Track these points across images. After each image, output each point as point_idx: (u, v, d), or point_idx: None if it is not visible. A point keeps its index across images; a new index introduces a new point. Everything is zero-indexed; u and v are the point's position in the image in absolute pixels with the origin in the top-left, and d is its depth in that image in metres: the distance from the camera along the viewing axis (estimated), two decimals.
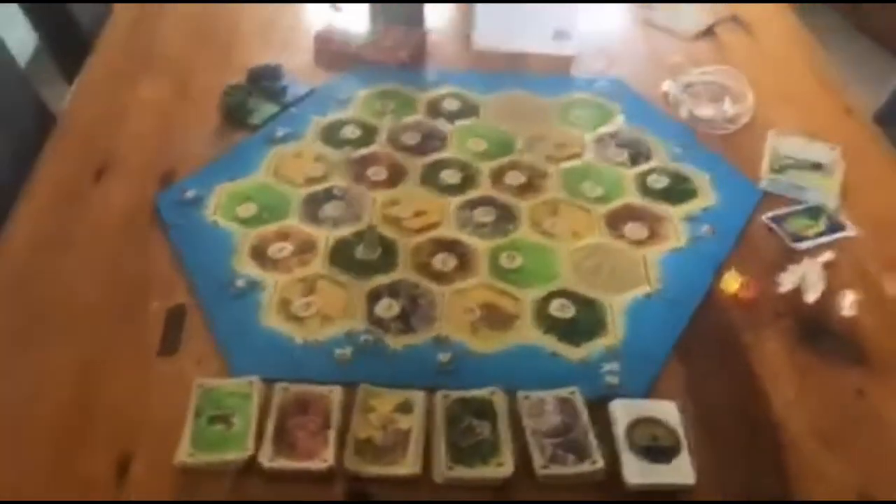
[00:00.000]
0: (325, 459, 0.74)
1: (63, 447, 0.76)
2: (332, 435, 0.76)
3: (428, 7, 1.35)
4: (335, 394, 0.79)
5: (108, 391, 0.80)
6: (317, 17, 1.35)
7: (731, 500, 0.75)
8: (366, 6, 1.33)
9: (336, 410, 0.78)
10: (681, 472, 0.75)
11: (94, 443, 0.76)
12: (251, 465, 0.74)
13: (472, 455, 0.75)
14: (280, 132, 1.11)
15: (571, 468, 0.74)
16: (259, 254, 0.94)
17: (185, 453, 0.74)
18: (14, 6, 1.38)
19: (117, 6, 1.37)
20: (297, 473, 0.74)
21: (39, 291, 0.90)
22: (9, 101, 1.19)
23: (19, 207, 1.00)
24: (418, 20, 1.34)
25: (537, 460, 0.74)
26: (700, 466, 0.75)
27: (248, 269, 0.92)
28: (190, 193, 1.01)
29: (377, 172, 1.06)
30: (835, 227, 1.01)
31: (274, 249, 0.95)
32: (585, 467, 0.74)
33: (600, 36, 1.36)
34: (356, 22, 1.32)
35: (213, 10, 1.37)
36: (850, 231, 1.01)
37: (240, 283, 0.90)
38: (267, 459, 0.74)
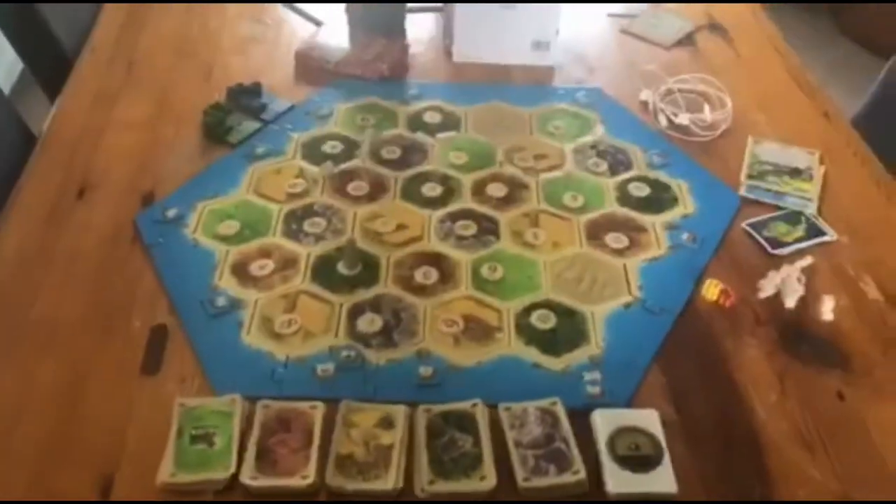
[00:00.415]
0: (306, 476, 0.74)
1: (45, 465, 0.76)
2: (313, 452, 0.75)
3: (408, 20, 1.36)
4: (317, 410, 0.79)
5: (90, 409, 0.80)
6: (297, 34, 1.36)
7: None
8: (345, 21, 1.34)
9: (318, 427, 0.78)
10: (663, 481, 0.75)
11: (76, 461, 0.76)
12: (233, 484, 0.74)
13: (454, 469, 0.75)
14: (260, 149, 1.12)
15: (553, 479, 0.74)
16: (240, 271, 0.94)
17: (167, 473, 0.74)
18: None
19: (98, 24, 1.37)
20: (279, 491, 0.74)
21: (22, 309, 0.90)
22: None
23: (2, 226, 1.00)
24: (398, 33, 1.35)
25: (519, 472, 0.75)
26: (682, 475, 0.76)
27: (229, 286, 0.92)
28: (171, 212, 1.01)
29: (358, 187, 1.07)
30: (814, 232, 1.02)
31: (255, 267, 0.95)
32: (567, 478, 0.74)
33: (579, 46, 1.37)
34: (336, 36, 1.32)
35: (193, 28, 1.38)
36: (830, 236, 1.02)
37: (221, 301, 0.90)
38: (249, 478, 0.74)
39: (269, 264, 0.95)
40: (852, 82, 2.40)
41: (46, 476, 0.75)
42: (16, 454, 0.76)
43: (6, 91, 1.29)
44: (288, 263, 0.96)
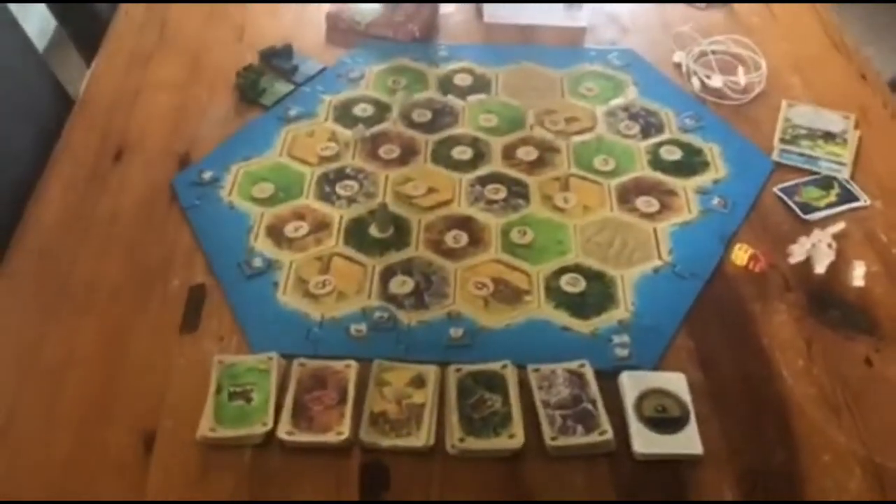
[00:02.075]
0: (341, 432, 0.76)
1: (89, 422, 0.79)
2: (348, 409, 0.78)
3: None
4: (351, 369, 0.81)
5: (131, 367, 0.83)
6: None
7: (739, 469, 0.76)
8: None
9: (352, 385, 0.80)
10: (689, 442, 0.77)
11: (120, 418, 0.79)
12: (270, 439, 0.77)
13: (483, 427, 0.77)
14: (293, 111, 1.13)
15: (580, 439, 0.76)
16: (275, 233, 0.96)
17: (206, 428, 0.77)
18: None
19: None
20: (314, 446, 0.76)
21: (63, 270, 0.92)
22: (28, 85, 1.21)
23: (43, 189, 1.02)
24: None
25: (547, 431, 0.76)
26: (708, 437, 0.77)
27: (264, 248, 0.94)
28: (206, 175, 1.03)
29: (389, 150, 1.07)
30: (846, 197, 1.01)
31: (290, 229, 0.96)
32: (594, 438, 0.76)
33: (611, 5, 1.35)
34: None
35: None
36: (862, 201, 1.01)
37: (257, 262, 0.92)
38: (285, 433, 0.76)
39: (303, 226, 0.97)
40: (890, 40, 2.34)
41: (91, 432, 0.78)
42: (61, 412, 0.79)
43: (39, 50, 1.31)
44: (321, 226, 0.97)
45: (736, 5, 1.36)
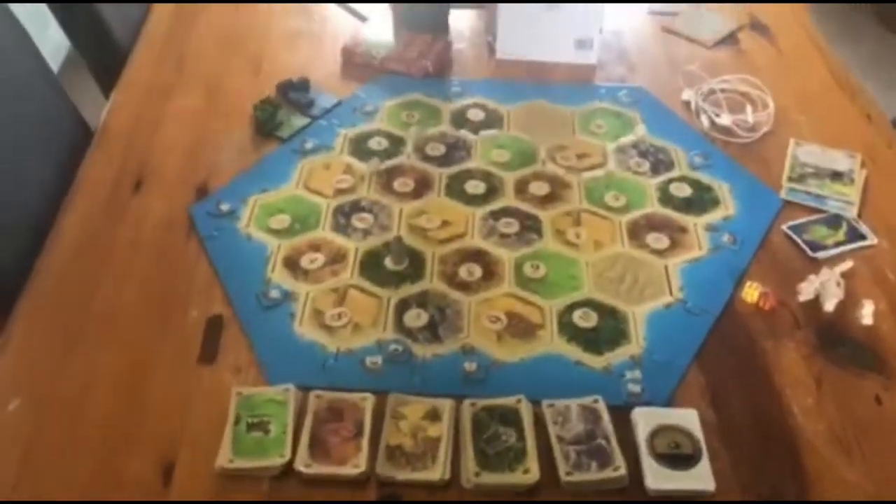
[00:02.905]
0: (357, 465, 0.77)
1: (110, 452, 0.80)
2: (364, 441, 0.79)
3: (451, 16, 1.38)
4: (368, 401, 0.83)
5: (151, 397, 0.84)
6: (344, 28, 1.38)
7: None
8: (390, 17, 1.37)
9: (368, 418, 0.81)
10: (701, 478, 0.77)
11: (140, 447, 0.80)
12: (288, 470, 0.77)
13: (498, 462, 0.78)
14: (309, 144, 1.15)
15: (594, 475, 0.77)
16: (292, 265, 0.98)
17: (225, 459, 0.78)
18: (47, 14, 1.42)
19: (149, 20, 1.41)
20: (331, 478, 0.77)
21: (83, 300, 0.94)
22: (48, 113, 1.23)
23: (63, 218, 1.04)
24: (442, 29, 1.37)
25: (561, 467, 0.77)
26: (720, 473, 0.78)
27: (281, 279, 0.96)
28: (224, 206, 1.04)
29: (404, 184, 1.09)
30: (854, 235, 1.03)
31: (306, 260, 0.98)
32: (608, 474, 0.77)
33: (621, 43, 1.38)
34: (381, 33, 1.35)
35: (243, 21, 1.41)
36: (870, 240, 1.03)
37: (274, 293, 0.94)
38: (303, 465, 0.77)
39: (319, 258, 0.98)
40: (892, 76, 2.38)
41: (112, 462, 0.79)
42: (82, 441, 0.80)
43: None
44: (337, 257, 0.99)
45: (743, 43, 1.39)
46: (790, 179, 1.10)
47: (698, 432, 0.81)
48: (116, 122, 1.20)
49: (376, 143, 1.16)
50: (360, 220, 1.04)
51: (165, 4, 1.44)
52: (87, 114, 1.31)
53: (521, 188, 1.10)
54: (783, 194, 1.09)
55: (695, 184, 1.10)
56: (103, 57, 1.45)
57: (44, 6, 1.41)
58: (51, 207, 1.05)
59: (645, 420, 0.81)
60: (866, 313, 0.94)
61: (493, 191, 1.09)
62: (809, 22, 1.46)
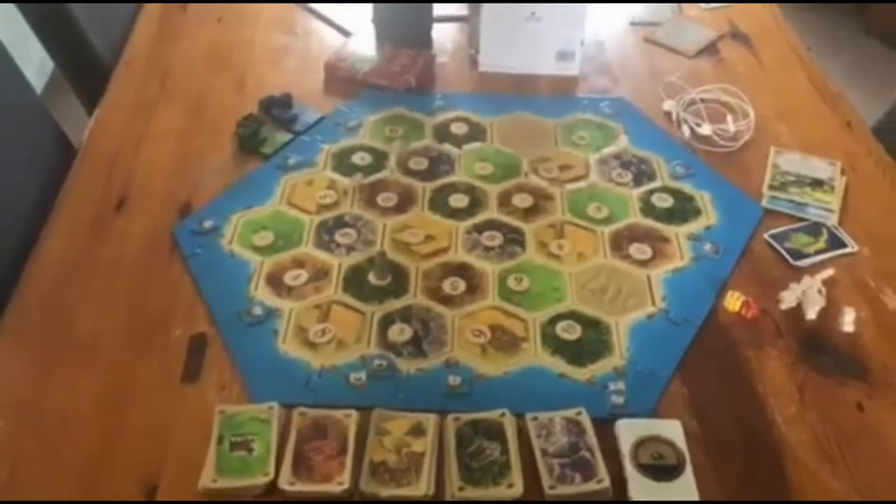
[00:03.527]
0: (341, 482, 0.77)
1: (91, 473, 0.79)
2: (348, 459, 0.79)
3: (434, 30, 1.38)
4: (351, 418, 0.82)
5: (133, 418, 0.84)
6: (327, 43, 1.39)
7: None
8: (373, 30, 1.37)
9: (352, 434, 0.81)
10: (685, 489, 0.78)
11: (122, 468, 0.79)
12: (272, 489, 0.77)
13: (482, 476, 0.78)
14: (292, 160, 1.15)
15: (578, 487, 0.77)
16: (275, 281, 0.98)
17: (208, 479, 0.77)
18: (30, 35, 1.43)
19: (132, 37, 1.41)
20: (315, 497, 0.77)
21: (65, 319, 0.94)
22: (30, 132, 1.23)
23: (45, 237, 1.03)
24: (425, 44, 1.38)
25: (546, 480, 0.77)
26: (704, 484, 0.78)
27: (264, 296, 0.96)
28: (207, 223, 1.04)
29: (387, 199, 1.09)
30: (835, 243, 1.04)
31: (289, 277, 0.98)
32: (592, 486, 0.77)
33: (603, 55, 1.39)
34: (364, 47, 1.35)
35: (226, 37, 1.41)
36: (851, 247, 1.03)
37: (257, 310, 0.94)
38: (286, 483, 0.77)
39: (303, 274, 0.98)
40: (877, 82, 2.40)
41: (93, 483, 0.78)
42: (63, 462, 0.80)
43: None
44: (320, 274, 0.99)
45: (724, 53, 1.40)
46: (771, 188, 1.11)
47: (682, 443, 0.81)
48: (99, 140, 1.20)
49: (359, 158, 1.16)
50: (344, 236, 1.04)
51: (148, 21, 1.44)
52: (72, 133, 1.31)
53: (504, 201, 1.10)
54: (764, 202, 1.10)
55: (676, 194, 1.11)
56: (86, 75, 1.45)
57: (26, 25, 1.41)
58: (33, 226, 1.05)
59: (628, 432, 0.82)
60: (848, 321, 0.94)
61: (476, 204, 1.09)
62: (790, 30, 1.48)
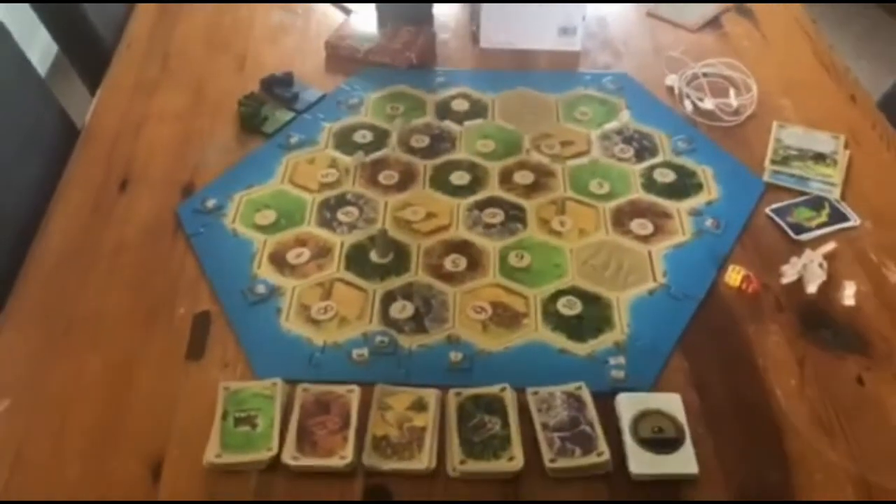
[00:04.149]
0: (344, 457, 0.78)
1: (98, 451, 0.80)
2: (351, 433, 0.80)
3: (435, 7, 1.38)
4: (354, 394, 0.83)
5: (138, 395, 0.85)
6: (327, 22, 1.38)
7: (734, 488, 0.78)
8: (374, 8, 1.37)
9: (354, 410, 0.82)
10: (684, 462, 0.78)
11: (127, 446, 0.80)
12: (275, 464, 0.78)
13: (483, 450, 0.79)
14: (294, 139, 1.15)
15: (579, 460, 0.78)
16: (278, 260, 0.98)
17: (213, 454, 0.78)
18: (34, 19, 1.43)
19: (133, 19, 1.41)
20: (318, 470, 0.78)
21: (70, 300, 0.94)
22: (34, 114, 1.23)
23: (49, 219, 1.04)
24: (426, 21, 1.37)
25: (546, 454, 0.78)
26: (703, 456, 0.79)
27: (267, 275, 0.96)
28: (210, 203, 1.05)
29: (388, 176, 1.10)
30: (837, 217, 1.03)
31: (292, 255, 0.99)
32: (592, 459, 0.78)
33: (605, 30, 1.38)
34: (365, 25, 1.35)
35: (226, 18, 1.41)
36: (853, 221, 1.03)
37: (260, 289, 0.94)
38: (290, 458, 0.78)
39: (305, 253, 0.99)
40: (884, 54, 2.37)
41: (100, 461, 0.79)
42: (70, 441, 0.81)
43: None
44: (322, 252, 0.99)
45: (727, 27, 1.39)
46: (773, 162, 1.11)
47: (682, 416, 0.82)
48: (101, 121, 1.20)
49: (361, 136, 1.16)
50: (346, 214, 1.04)
51: (149, 4, 1.44)
52: (76, 115, 1.31)
53: (505, 178, 1.10)
54: (766, 177, 1.09)
55: (678, 169, 1.11)
56: (89, 57, 1.45)
57: (30, 8, 1.41)
58: (37, 208, 1.06)
59: (628, 405, 0.82)
60: (848, 294, 0.94)
61: (477, 181, 1.09)
62: (795, 3, 1.46)
